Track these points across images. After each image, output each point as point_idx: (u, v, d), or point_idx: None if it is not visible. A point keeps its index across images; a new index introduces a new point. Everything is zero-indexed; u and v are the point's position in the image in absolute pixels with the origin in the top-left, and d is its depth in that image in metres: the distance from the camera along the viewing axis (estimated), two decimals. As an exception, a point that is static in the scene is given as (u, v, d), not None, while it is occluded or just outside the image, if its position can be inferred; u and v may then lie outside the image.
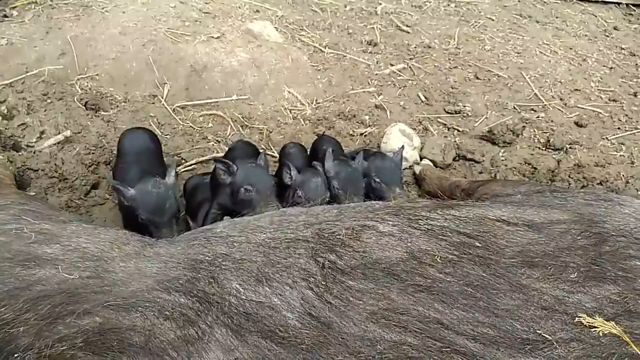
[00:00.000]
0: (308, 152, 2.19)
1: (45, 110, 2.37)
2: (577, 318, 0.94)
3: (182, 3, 3.13)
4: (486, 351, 0.88)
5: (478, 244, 1.11)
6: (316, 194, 1.71)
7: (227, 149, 2.16)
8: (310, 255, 1.10)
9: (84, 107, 2.44)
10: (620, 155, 2.47)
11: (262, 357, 0.86)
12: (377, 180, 1.86)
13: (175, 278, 1.04)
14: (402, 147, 2.01)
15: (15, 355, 0.84)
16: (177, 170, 1.87)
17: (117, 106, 2.51)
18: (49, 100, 2.44)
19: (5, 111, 2.33)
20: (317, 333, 0.91)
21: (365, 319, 0.94)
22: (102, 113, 2.46)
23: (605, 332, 0.92)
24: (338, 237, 1.17)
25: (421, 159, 2.32)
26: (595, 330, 0.93)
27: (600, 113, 2.83)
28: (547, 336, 0.91)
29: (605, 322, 0.93)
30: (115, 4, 3.02)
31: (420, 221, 1.22)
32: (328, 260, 1.09)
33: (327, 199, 1.75)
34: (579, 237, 1.15)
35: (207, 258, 1.13)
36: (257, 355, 0.87)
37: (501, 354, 0.88)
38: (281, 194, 1.84)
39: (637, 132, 2.69)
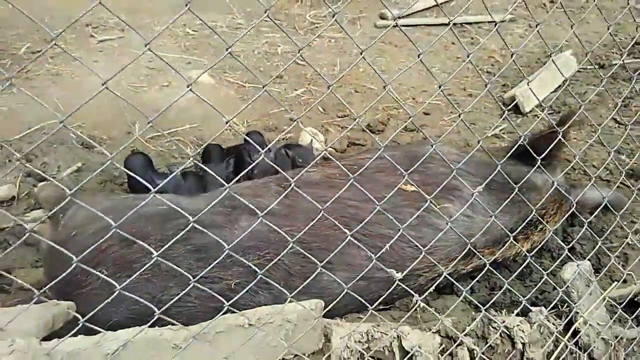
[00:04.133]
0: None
1: (55, 152, 3.27)
2: (401, 187, 2.11)
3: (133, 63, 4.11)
4: (362, 204, 2.02)
5: (356, 167, 2.26)
6: (265, 172, 2.81)
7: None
8: (275, 184, 2.20)
9: (82, 147, 3.37)
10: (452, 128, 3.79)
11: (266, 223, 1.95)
12: (300, 160, 2.98)
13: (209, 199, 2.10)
14: (312, 140, 3.16)
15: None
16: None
17: (105, 143, 3.46)
18: (54, 146, 3.34)
19: (24, 156, 3.21)
20: (288, 210, 2.01)
21: (309, 201, 2.05)
22: (96, 149, 3.40)
23: (412, 190, 2.09)
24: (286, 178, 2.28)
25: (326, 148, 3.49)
26: (408, 191, 2.10)
27: (440, 104, 4.17)
28: (386, 195, 2.06)
29: (412, 187, 2.10)
30: (81, 71, 3.95)
31: (327, 164, 2.36)
32: (282, 186, 2.20)
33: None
34: (404, 159, 2.34)
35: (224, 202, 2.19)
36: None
37: (369, 205, 2.03)
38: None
39: (463, 114, 4.03)
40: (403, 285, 1.61)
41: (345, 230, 1.45)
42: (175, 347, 1.48)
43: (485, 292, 2.18)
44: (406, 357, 1.54)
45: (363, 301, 1.50)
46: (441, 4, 6.63)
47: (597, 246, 1.88)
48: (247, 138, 1.65)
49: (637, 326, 1.91)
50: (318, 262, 1.43)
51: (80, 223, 2.06)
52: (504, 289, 1.69)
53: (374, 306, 1.48)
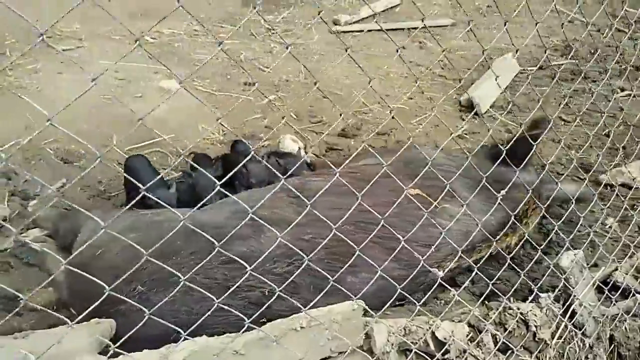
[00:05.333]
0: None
1: (35, 169, 3.20)
2: (406, 192, 2.30)
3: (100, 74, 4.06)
4: (375, 208, 2.18)
5: (359, 174, 2.42)
6: (262, 181, 2.91)
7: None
8: (285, 194, 2.32)
9: (62, 162, 3.31)
10: (419, 131, 4.03)
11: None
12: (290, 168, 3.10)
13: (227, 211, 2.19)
14: (299, 148, 3.30)
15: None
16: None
17: (84, 157, 3.42)
18: (33, 162, 3.26)
19: (4, 175, 3.12)
20: (306, 218, 2.14)
21: (323, 209, 2.19)
22: (76, 164, 3.35)
23: (414, 193, 2.28)
24: (296, 184, 2.41)
25: (306, 153, 3.62)
26: (412, 195, 2.29)
27: (404, 108, 4.41)
28: (394, 199, 2.24)
29: (416, 190, 2.30)
30: (47, 84, 3.86)
31: (328, 172, 2.51)
32: (293, 195, 2.33)
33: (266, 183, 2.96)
34: (400, 164, 2.52)
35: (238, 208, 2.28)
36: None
37: (382, 209, 2.19)
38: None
39: (425, 117, 4.30)
40: (444, 283, 1.80)
41: (399, 236, 1.60)
42: (236, 353, 1.58)
43: (484, 283, 2.41)
44: (440, 346, 1.72)
45: (410, 298, 1.67)
46: (386, 10, 6.95)
47: (591, 235, 2.16)
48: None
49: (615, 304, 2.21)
50: (378, 267, 1.58)
51: (103, 241, 2.09)
52: (520, 280, 1.92)
53: (421, 302, 1.65)
